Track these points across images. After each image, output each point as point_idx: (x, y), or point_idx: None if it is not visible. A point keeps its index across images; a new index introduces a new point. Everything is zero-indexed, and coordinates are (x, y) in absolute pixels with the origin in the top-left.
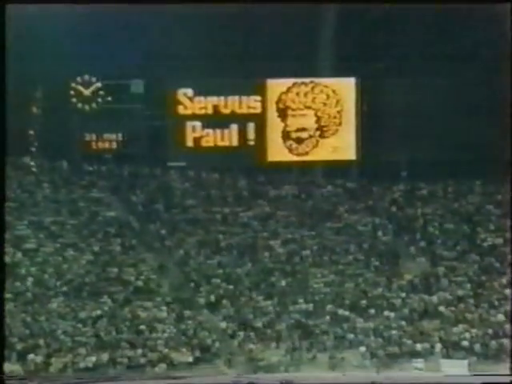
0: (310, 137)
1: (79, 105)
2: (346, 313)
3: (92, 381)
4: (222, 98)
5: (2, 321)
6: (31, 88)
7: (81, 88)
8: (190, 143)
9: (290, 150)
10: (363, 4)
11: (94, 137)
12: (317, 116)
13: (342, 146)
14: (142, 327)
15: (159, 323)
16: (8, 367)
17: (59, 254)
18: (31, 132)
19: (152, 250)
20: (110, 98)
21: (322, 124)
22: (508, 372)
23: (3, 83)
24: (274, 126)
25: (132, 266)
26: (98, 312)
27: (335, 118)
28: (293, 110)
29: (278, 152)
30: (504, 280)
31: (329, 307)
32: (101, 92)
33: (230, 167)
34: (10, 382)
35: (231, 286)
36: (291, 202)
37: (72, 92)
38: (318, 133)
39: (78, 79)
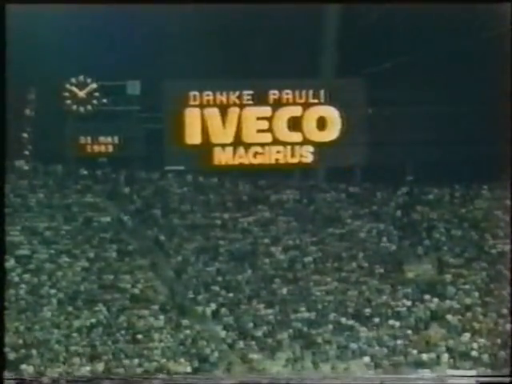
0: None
1: (74, 107)
2: (350, 322)
3: (94, 382)
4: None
5: (2, 322)
6: (24, 89)
7: (75, 89)
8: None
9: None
10: (364, 4)
11: (89, 140)
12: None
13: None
14: (139, 336)
15: (156, 332)
16: None
17: (53, 261)
18: (24, 135)
19: (149, 256)
20: (105, 100)
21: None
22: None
23: (3, 83)
24: None
25: (128, 273)
26: (93, 321)
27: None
28: None
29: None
30: None
31: (332, 316)
32: (96, 93)
33: (231, 171)
34: (10, 383)
35: (231, 294)
36: (293, 207)
37: (66, 93)
38: None
39: (73, 80)
